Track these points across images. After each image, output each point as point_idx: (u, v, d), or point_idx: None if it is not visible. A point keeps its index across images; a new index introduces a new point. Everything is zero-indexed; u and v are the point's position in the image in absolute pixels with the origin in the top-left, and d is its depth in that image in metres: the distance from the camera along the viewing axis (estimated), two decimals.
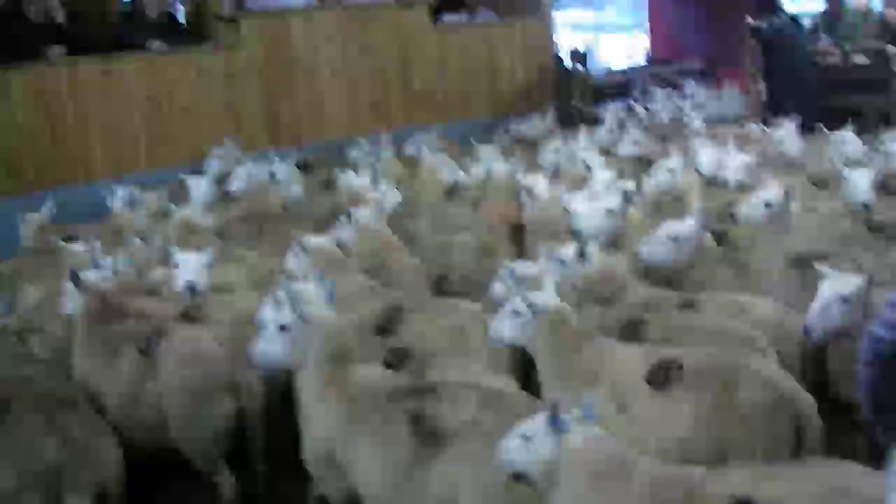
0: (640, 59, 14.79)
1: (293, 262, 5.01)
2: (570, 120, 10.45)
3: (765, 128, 8.13)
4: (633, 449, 3.05)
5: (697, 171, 6.48)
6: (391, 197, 6.39)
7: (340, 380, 3.64)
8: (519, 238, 6.02)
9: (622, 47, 15.36)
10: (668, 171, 6.24)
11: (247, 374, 4.22)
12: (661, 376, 3.44)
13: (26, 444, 3.80)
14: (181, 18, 9.67)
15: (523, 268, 4.66)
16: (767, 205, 5.28)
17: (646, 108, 9.87)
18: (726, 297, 4.49)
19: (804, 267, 4.53)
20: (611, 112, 9.11)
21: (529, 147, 8.62)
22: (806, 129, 8.03)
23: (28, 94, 7.67)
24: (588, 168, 6.74)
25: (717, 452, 3.38)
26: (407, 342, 4.28)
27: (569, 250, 4.76)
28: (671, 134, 8.56)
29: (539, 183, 6.24)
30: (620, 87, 11.48)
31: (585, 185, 6.21)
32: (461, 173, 7.22)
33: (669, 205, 5.92)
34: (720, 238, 5.08)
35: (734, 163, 6.49)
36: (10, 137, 7.57)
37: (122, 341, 4.44)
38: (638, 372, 3.63)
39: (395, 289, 5.04)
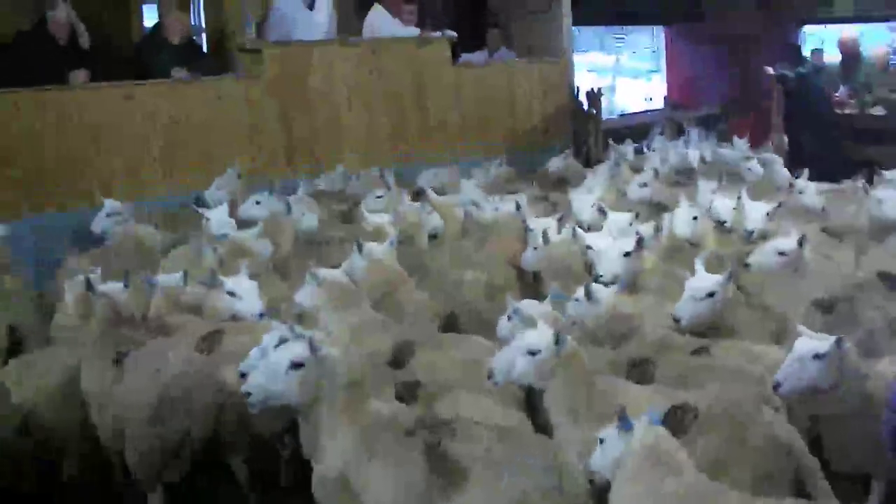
0: (656, 104, 14.88)
1: (306, 293, 5.04)
2: (584, 161, 10.49)
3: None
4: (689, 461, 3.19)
5: (712, 219, 6.47)
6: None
7: (356, 408, 3.65)
8: (529, 277, 6.05)
9: (639, 91, 15.45)
10: (688, 219, 6.23)
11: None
12: (678, 420, 3.43)
13: None
14: (203, 45, 9.80)
15: (530, 306, 4.67)
16: (781, 253, 5.30)
17: (652, 150, 9.83)
18: (738, 344, 4.50)
19: (827, 311, 4.55)
20: (615, 154, 9.12)
21: (554, 184, 8.66)
22: (827, 178, 8.08)
23: (50, 117, 7.72)
24: (602, 211, 6.74)
25: None
26: (419, 376, 4.29)
27: (580, 291, 4.78)
28: (683, 179, 8.57)
29: (551, 225, 6.23)
30: (634, 130, 11.52)
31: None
32: (474, 210, 7.22)
33: (683, 249, 5.95)
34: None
35: (753, 213, 6.40)
36: (32, 159, 7.62)
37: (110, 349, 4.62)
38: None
39: (403, 323, 5.06)
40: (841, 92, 11.72)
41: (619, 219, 6.31)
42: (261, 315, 5.07)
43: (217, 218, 6.74)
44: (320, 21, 9.45)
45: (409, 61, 9.93)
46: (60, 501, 4.84)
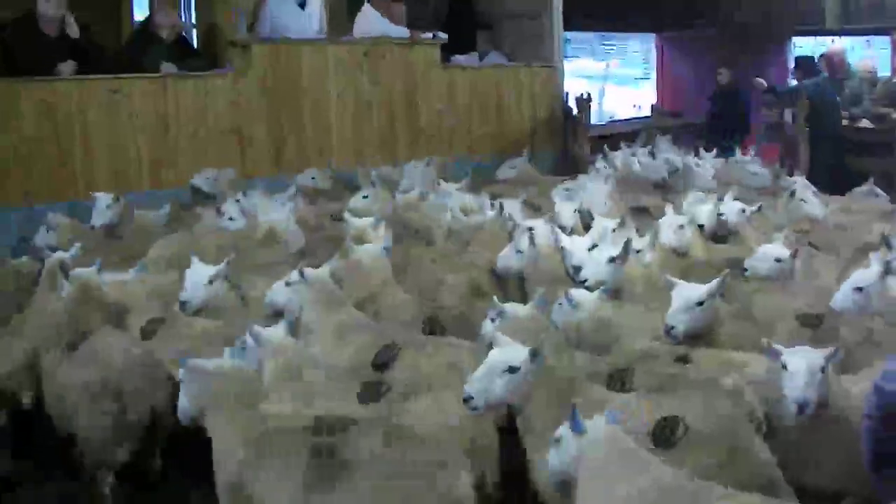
0: (645, 112, 14.91)
1: (278, 292, 5.07)
2: (573, 166, 10.50)
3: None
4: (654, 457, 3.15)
5: (699, 225, 6.48)
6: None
7: (247, 416, 3.74)
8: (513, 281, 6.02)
9: (629, 98, 15.49)
10: (677, 228, 6.23)
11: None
12: (667, 434, 3.41)
13: None
14: (193, 41, 9.76)
15: (513, 308, 4.64)
16: (777, 260, 5.31)
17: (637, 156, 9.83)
18: (720, 353, 4.48)
19: (813, 326, 4.55)
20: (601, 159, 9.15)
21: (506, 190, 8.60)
22: (834, 189, 8.19)
23: (36, 109, 7.67)
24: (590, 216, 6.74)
25: None
26: (401, 378, 4.28)
27: (563, 296, 4.77)
28: (670, 186, 8.59)
29: (539, 227, 6.21)
30: (622, 137, 11.55)
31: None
32: (458, 212, 7.21)
33: (672, 257, 5.95)
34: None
35: (730, 209, 6.57)
36: (16, 150, 7.57)
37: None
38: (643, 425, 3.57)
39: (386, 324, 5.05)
40: None
41: (605, 224, 6.30)
42: (182, 304, 5.15)
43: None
44: (312, 20, 9.43)
45: (399, 62, 9.92)
46: None
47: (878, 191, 8.06)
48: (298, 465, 3.45)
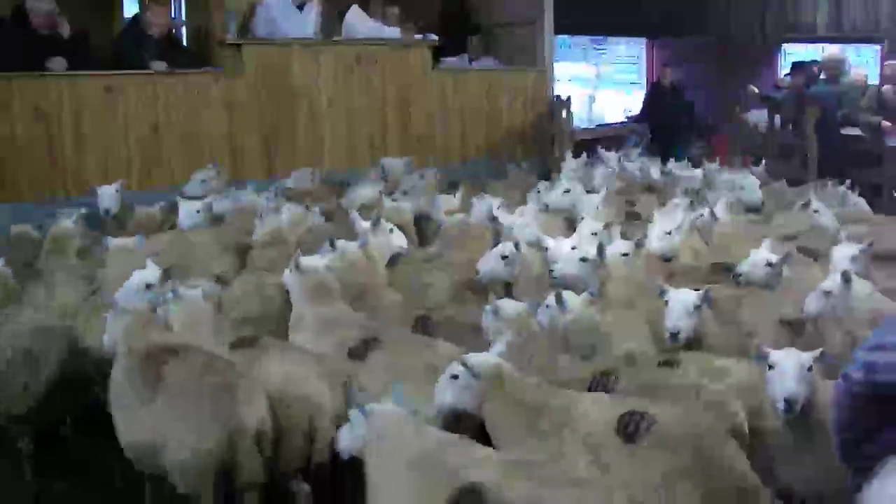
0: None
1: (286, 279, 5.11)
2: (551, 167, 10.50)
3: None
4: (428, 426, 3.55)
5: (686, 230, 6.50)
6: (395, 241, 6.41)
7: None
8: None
9: (620, 103, 15.49)
10: (661, 234, 6.25)
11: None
12: (632, 428, 3.41)
13: None
14: (184, 40, 9.74)
15: (508, 305, 4.64)
16: (769, 264, 5.34)
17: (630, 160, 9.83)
18: (706, 358, 4.47)
19: (797, 332, 4.55)
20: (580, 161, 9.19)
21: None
22: None
23: (27, 105, 7.67)
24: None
25: None
26: (375, 371, 4.33)
27: (550, 297, 4.77)
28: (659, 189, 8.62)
29: (522, 230, 6.22)
30: (609, 140, 11.56)
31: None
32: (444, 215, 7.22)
33: (658, 262, 5.96)
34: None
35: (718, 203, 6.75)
36: (6, 147, 7.56)
37: None
38: (608, 423, 3.57)
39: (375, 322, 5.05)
40: None
41: (591, 225, 6.32)
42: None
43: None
44: (308, 21, 9.44)
45: (390, 63, 9.93)
46: None
47: (856, 198, 7.92)
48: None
